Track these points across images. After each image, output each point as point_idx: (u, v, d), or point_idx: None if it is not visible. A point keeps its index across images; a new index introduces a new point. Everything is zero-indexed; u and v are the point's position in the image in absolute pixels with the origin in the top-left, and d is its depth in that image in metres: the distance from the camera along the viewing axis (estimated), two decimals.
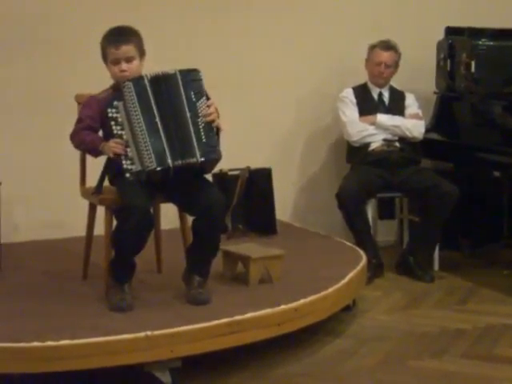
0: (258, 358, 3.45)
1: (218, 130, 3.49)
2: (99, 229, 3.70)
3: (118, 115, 3.38)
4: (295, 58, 5.32)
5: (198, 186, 3.46)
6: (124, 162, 3.36)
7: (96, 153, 3.49)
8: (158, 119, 3.38)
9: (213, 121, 3.45)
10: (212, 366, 3.34)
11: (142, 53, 3.52)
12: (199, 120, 3.42)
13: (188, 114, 3.41)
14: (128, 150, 3.37)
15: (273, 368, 3.39)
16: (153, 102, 3.38)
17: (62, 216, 4.69)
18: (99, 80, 3.62)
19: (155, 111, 3.38)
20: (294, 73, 5.31)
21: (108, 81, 3.59)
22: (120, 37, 3.47)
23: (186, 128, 3.40)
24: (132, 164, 3.36)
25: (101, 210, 3.65)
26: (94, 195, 3.61)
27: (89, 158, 3.81)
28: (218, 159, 3.49)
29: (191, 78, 3.44)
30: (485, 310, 4.23)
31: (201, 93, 3.45)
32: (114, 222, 3.49)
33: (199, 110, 3.43)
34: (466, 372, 3.38)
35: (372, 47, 5.03)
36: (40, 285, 3.75)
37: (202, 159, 3.40)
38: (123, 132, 3.38)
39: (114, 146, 3.38)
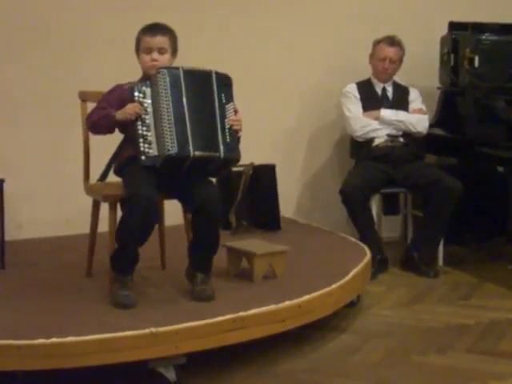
0: (262, 354, 3.45)
1: (239, 137, 3.56)
2: (103, 226, 3.70)
3: (145, 100, 3.42)
4: (299, 54, 5.32)
5: (195, 181, 3.47)
6: (142, 144, 3.40)
7: (110, 120, 3.46)
8: (185, 110, 3.42)
9: (238, 127, 3.52)
10: (216, 363, 3.34)
11: (174, 50, 3.60)
12: (226, 121, 3.49)
13: (217, 113, 3.47)
14: (148, 134, 3.40)
15: (277, 364, 3.39)
16: (184, 92, 3.42)
17: (66, 213, 4.70)
18: (103, 78, 3.62)
19: (184, 102, 3.42)
20: (298, 68, 5.31)
21: (113, 79, 3.59)
22: (157, 28, 3.56)
23: (213, 124, 3.46)
24: (150, 148, 3.40)
25: (105, 207, 3.65)
26: (99, 182, 3.64)
27: (93, 156, 3.82)
28: (237, 161, 3.56)
29: (224, 81, 3.52)
30: (489, 305, 4.23)
31: (230, 97, 3.53)
32: (118, 219, 3.49)
33: (227, 113, 3.50)
34: (471, 367, 3.37)
35: (377, 42, 5.03)
36: (44, 282, 3.75)
37: (226, 156, 3.45)
38: (147, 116, 3.42)
39: (131, 107, 3.40)
